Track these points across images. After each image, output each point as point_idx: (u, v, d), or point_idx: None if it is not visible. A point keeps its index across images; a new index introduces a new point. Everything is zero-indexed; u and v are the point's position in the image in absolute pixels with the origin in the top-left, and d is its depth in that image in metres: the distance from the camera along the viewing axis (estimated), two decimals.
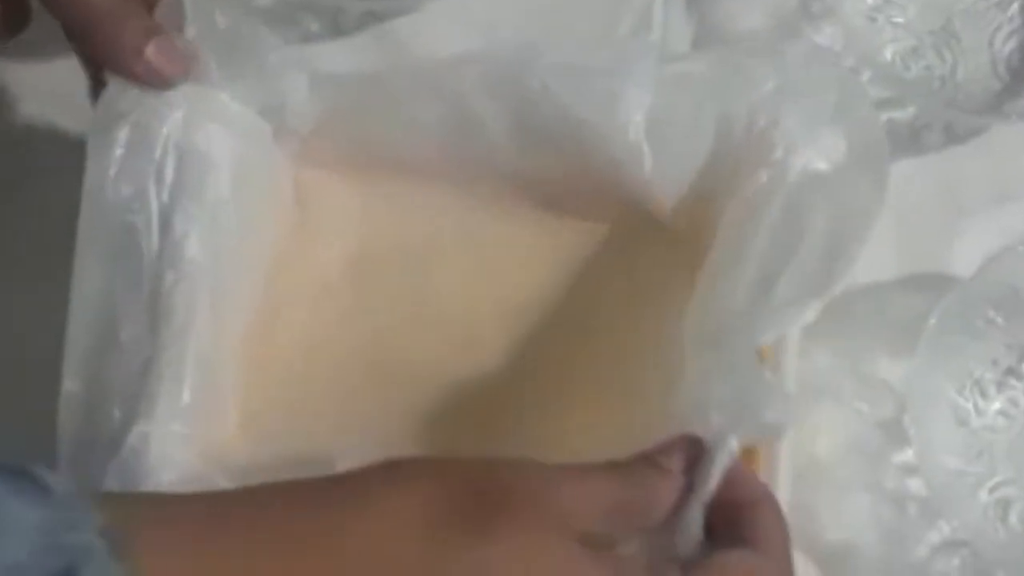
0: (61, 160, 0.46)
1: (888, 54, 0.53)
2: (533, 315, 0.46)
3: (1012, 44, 0.53)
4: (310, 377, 0.45)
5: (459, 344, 0.46)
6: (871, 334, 0.49)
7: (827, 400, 0.48)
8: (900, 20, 0.53)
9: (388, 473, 0.33)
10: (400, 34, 0.52)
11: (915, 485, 0.48)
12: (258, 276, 0.46)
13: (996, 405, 0.49)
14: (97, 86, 0.42)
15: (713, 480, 0.35)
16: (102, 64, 0.41)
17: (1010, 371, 0.49)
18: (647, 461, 0.35)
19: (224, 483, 0.40)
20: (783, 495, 0.42)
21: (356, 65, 0.46)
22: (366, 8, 0.53)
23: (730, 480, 0.35)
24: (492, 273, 0.47)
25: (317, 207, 0.47)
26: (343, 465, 0.35)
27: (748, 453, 0.43)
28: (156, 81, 0.41)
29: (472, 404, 0.45)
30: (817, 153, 0.42)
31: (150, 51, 0.41)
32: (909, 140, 0.52)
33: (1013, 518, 0.47)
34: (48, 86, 0.52)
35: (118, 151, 0.42)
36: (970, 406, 0.49)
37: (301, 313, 0.46)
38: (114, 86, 0.42)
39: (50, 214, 0.44)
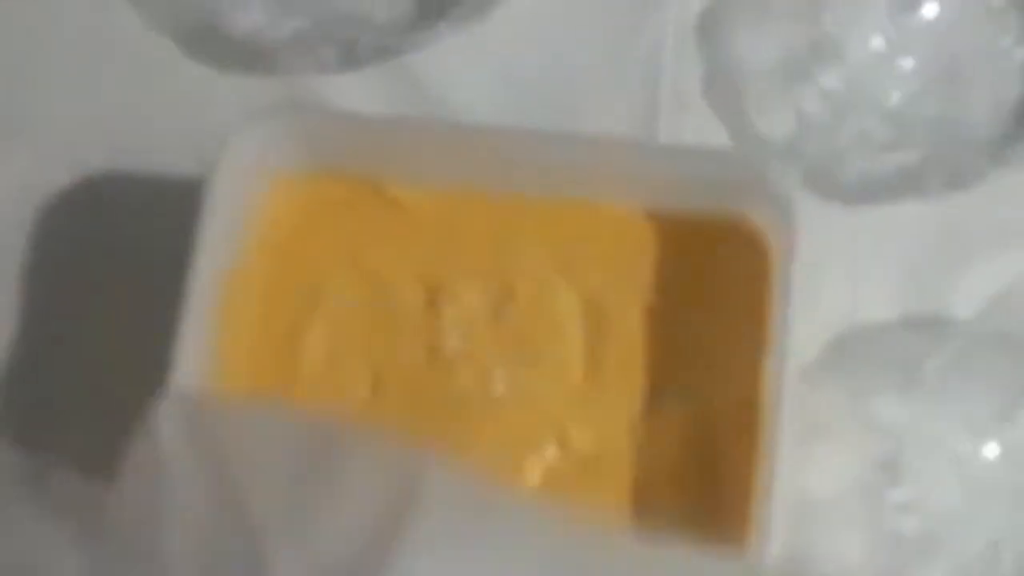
0: None
1: (895, 97, 0.53)
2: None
3: (1019, 90, 0.54)
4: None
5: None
6: (870, 373, 0.49)
7: (823, 439, 0.48)
8: (907, 64, 0.54)
9: None
10: (415, 72, 0.54)
11: (911, 525, 0.48)
12: None
13: (994, 447, 0.49)
14: None
15: None
16: None
17: (1009, 414, 0.50)
18: None
19: None
20: (778, 533, 0.43)
21: (372, 103, 0.47)
22: (380, 43, 0.54)
23: None
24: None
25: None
26: None
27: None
28: None
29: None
30: None
31: None
32: (913, 183, 0.52)
33: (1007, 560, 0.48)
34: None
35: None
36: (968, 448, 0.49)
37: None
38: None
39: None
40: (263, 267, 0.48)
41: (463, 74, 0.54)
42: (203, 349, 0.45)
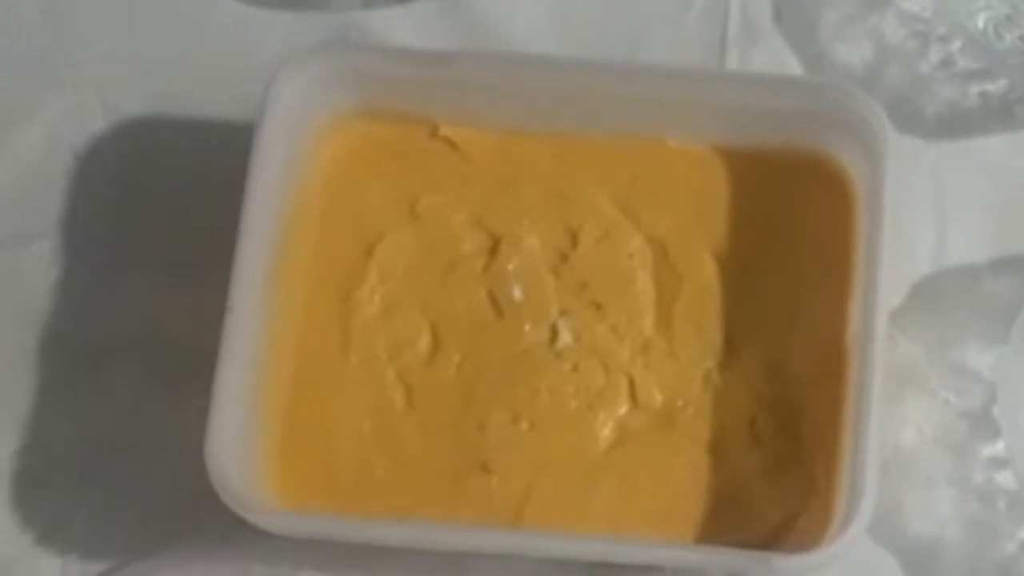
0: None
1: (980, 22, 0.50)
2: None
3: None
4: None
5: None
6: (961, 320, 0.47)
7: (913, 389, 0.46)
8: None
9: None
10: (469, 3, 0.51)
11: (1004, 479, 0.45)
12: None
13: None
14: None
15: None
16: None
17: None
18: None
19: None
20: (871, 486, 0.40)
21: (424, 37, 0.44)
22: None
23: None
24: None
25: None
26: None
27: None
28: None
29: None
30: None
31: None
32: (1002, 114, 0.49)
33: None
34: None
35: None
36: None
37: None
38: None
39: None
40: (315, 213, 0.46)
41: (519, 3, 0.51)
42: (258, 298, 0.43)
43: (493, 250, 0.46)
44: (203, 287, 0.45)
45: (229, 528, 0.42)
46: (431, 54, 0.47)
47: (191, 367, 0.44)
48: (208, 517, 0.43)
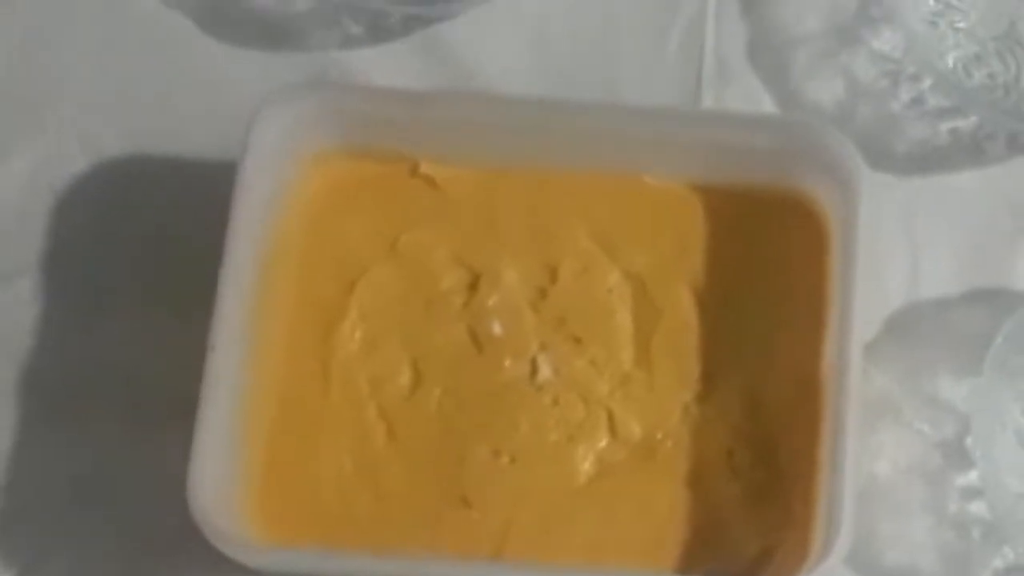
0: None
1: (950, 61, 0.51)
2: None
3: None
4: None
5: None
6: (934, 352, 0.47)
7: (888, 421, 0.47)
8: (962, 25, 0.52)
9: None
10: (446, 43, 0.52)
11: (978, 509, 0.46)
12: None
13: None
14: None
15: None
16: None
17: None
18: None
19: None
20: (848, 518, 0.41)
21: (402, 76, 0.45)
22: (408, 12, 0.52)
23: None
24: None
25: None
26: None
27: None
28: None
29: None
30: None
31: None
32: (972, 151, 0.50)
33: None
34: None
35: None
36: None
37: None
38: None
39: None
40: (296, 250, 0.46)
41: (497, 43, 0.52)
42: (239, 335, 0.44)
43: (473, 286, 0.46)
44: (185, 324, 0.45)
45: (211, 565, 0.42)
46: (412, 93, 0.48)
47: (173, 404, 0.44)
48: (189, 554, 0.43)
